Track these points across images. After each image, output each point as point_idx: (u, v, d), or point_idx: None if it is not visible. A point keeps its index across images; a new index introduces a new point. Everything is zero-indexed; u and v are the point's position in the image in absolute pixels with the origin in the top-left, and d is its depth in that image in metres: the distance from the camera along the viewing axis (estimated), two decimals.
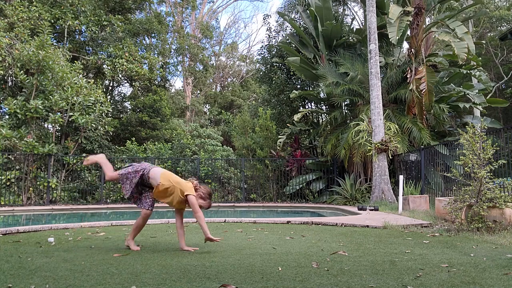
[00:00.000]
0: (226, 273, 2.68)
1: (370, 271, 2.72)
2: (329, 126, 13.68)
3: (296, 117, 13.31)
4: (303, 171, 13.81)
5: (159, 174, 3.71)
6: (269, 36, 17.28)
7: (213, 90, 30.56)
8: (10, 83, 12.67)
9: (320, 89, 14.75)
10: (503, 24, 23.28)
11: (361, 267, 2.85)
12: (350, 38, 15.30)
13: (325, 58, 14.06)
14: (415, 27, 11.85)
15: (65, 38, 14.68)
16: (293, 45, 15.61)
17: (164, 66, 21.20)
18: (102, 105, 12.64)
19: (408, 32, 12.87)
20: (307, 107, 16.03)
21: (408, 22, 11.64)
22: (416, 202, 8.32)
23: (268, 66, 16.69)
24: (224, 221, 6.38)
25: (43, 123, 12.40)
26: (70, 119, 12.03)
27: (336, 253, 3.44)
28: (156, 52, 19.75)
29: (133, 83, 19.04)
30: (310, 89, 16.04)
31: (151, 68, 17.21)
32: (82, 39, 16.11)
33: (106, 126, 13.09)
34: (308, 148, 15.94)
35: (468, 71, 12.40)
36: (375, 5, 11.22)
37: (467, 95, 12.45)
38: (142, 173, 3.72)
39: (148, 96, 18.17)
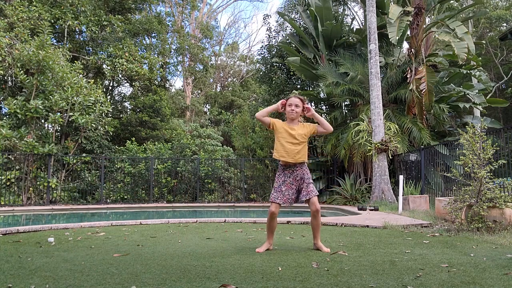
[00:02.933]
0: (226, 273, 2.68)
1: (370, 271, 2.72)
2: None
3: None
4: None
5: None
6: (269, 36, 17.29)
7: (213, 90, 30.57)
8: (10, 83, 12.67)
9: (320, 89, 14.74)
10: (502, 24, 23.28)
11: (361, 267, 2.85)
12: (350, 38, 15.31)
13: (325, 58, 14.06)
14: (415, 27, 11.85)
15: (65, 38, 14.67)
16: (293, 45, 15.61)
17: (164, 66, 21.20)
18: (102, 105, 12.65)
19: (408, 32, 12.87)
20: None
21: (408, 22, 11.64)
22: (416, 202, 8.32)
23: (268, 66, 16.70)
24: (224, 221, 6.38)
25: (43, 123, 12.41)
26: (70, 119, 12.03)
27: (336, 253, 3.44)
28: (156, 52, 19.74)
29: (133, 83, 19.04)
30: (310, 89, 16.05)
31: (151, 68, 17.21)
32: (82, 39, 16.11)
33: (106, 126, 13.09)
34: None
35: (468, 71, 12.40)
36: (375, 5, 11.22)
37: (467, 95, 12.45)
38: None
39: (148, 96, 18.17)
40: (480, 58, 13.96)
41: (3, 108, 13.03)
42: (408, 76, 11.61)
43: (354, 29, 15.85)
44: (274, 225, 3.63)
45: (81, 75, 13.18)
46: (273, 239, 3.71)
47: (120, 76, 17.81)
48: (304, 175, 3.64)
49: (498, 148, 5.28)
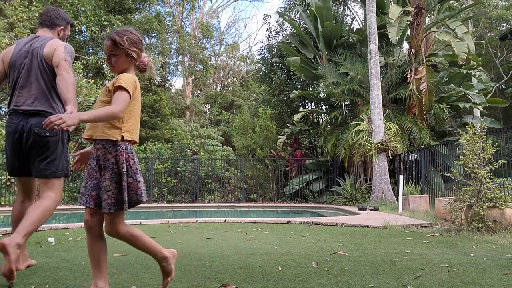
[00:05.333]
0: (226, 273, 2.68)
1: (370, 271, 2.72)
2: (329, 126, 13.68)
3: (296, 117, 13.31)
4: (303, 171, 13.81)
5: None
6: (269, 36, 17.27)
7: (213, 90, 30.56)
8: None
9: (320, 89, 14.74)
10: (502, 24, 23.29)
11: (361, 267, 2.85)
12: (350, 38, 15.30)
13: (325, 58, 14.06)
14: (415, 27, 11.85)
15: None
16: (293, 45, 15.61)
17: (164, 66, 21.21)
18: None
19: (408, 32, 12.87)
20: (307, 107, 16.03)
21: (408, 22, 11.64)
22: (416, 202, 8.32)
23: (268, 66, 16.69)
24: (224, 221, 6.37)
25: None
26: None
27: (336, 253, 3.44)
28: (156, 52, 19.75)
29: None
30: (310, 89, 16.04)
31: None
32: (82, 39, 16.12)
33: None
34: (308, 148, 15.93)
35: (468, 71, 12.40)
36: (375, 5, 11.22)
37: (467, 95, 12.45)
38: None
39: (148, 96, 18.17)
40: (480, 58, 13.95)
41: (3, 108, 13.02)
42: (408, 76, 11.61)
43: (354, 29, 15.85)
44: (95, 248, 2.00)
45: (81, 75, 13.18)
46: (104, 278, 2.01)
47: None
48: (107, 162, 2.05)
49: (498, 148, 5.29)
